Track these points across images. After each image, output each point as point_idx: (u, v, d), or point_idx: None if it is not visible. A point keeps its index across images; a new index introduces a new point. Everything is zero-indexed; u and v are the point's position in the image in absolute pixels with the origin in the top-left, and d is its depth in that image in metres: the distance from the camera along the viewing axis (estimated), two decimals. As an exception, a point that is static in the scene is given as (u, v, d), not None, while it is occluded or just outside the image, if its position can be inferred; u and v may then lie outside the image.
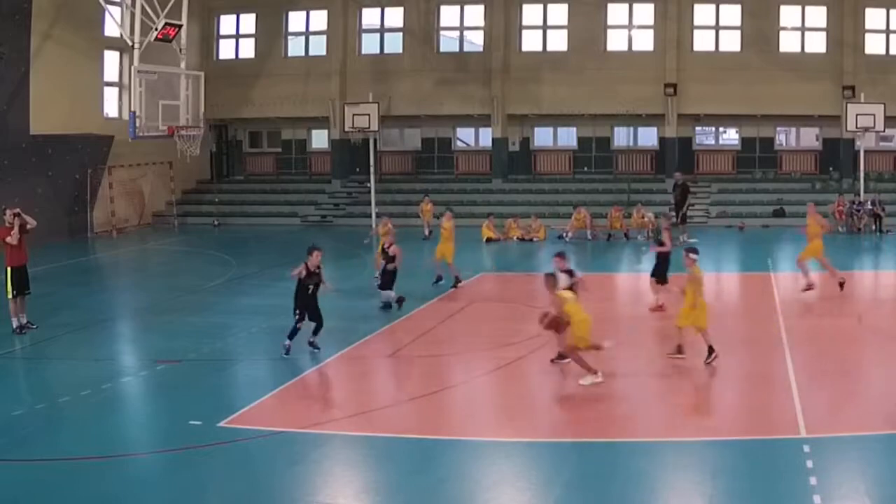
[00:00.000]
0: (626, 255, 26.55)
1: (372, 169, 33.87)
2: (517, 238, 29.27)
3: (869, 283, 22.34)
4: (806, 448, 9.46)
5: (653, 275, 17.49)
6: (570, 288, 13.18)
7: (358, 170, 36.56)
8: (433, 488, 8.96)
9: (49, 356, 14.84)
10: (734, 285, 22.22)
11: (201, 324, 16.87)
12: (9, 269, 15.84)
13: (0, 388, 12.98)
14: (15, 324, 15.88)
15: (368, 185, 34.03)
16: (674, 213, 28.65)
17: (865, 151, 31.11)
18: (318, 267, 14.17)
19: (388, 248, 18.05)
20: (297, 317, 14.04)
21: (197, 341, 15.19)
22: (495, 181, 35.93)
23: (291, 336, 14.08)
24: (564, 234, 28.98)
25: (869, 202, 29.84)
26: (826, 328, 16.03)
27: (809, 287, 18.43)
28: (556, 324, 12.52)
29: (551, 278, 13.00)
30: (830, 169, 34.24)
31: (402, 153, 38.31)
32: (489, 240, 28.87)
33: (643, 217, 29.64)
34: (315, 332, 14.24)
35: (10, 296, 15.85)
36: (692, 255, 13.67)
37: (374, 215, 32.96)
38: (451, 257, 20.14)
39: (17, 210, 15.98)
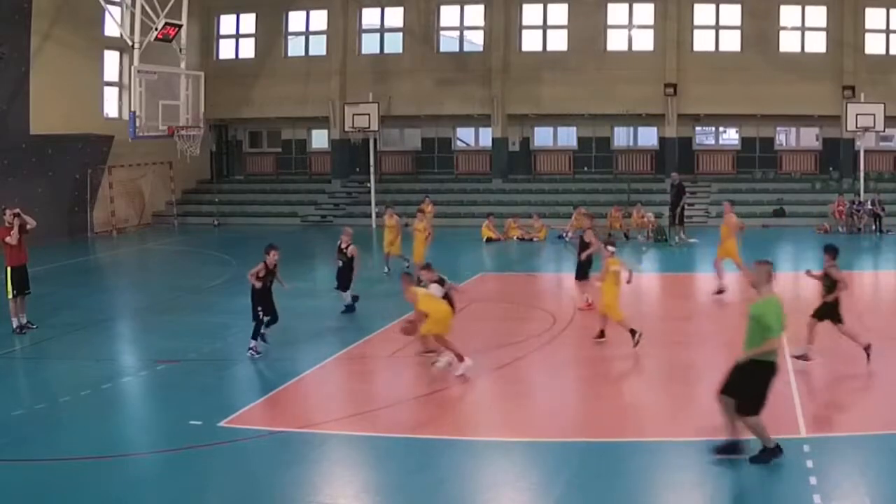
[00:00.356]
0: (625, 255, 26.51)
1: (372, 169, 33.90)
2: (517, 238, 29.27)
3: (869, 283, 22.33)
4: (806, 448, 9.46)
5: (578, 276, 17.73)
6: (446, 296, 13.53)
7: (358, 170, 36.59)
8: (433, 488, 8.95)
9: (49, 356, 14.84)
10: (734, 285, 22.18)
11: (201, 324, 16.86)
12: (9, 269, 15.84)
13: (0, 388, 12.99)
14: (15, 324, 15.88)
15: (368, 185, 34.06)
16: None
17: (865, 151, 31.14)
18: (276, 265, 14.49)
19: (346, 248, 17.25)
20: (260, 316, 14.25)
21: (197, 341, 15.19)
22: (495, 181, 35.94)
23: (255, 336, 14.28)
24: (564, 234, 28.98)
25: (869, 202, 29.85)
26: (826, 328, 15.99)
27: (721, 291, 18.25)
28: (412, 328, 13.06)
29: (407, 277, 13.53)
30: (830, 169, 34.26)
31: (402, 153, 38.33)
32: (489, 240, 28.87)
33: (643, 217, 29.65)
34: (268, 325, 14.48)
35: (10, 296, 15.86)
36: (610, 248, 14.47)
37: (374, 215, 33.00)
38: (419, 257, 20.16)
39: (17, 210, 15.97)
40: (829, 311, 12.96)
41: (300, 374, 13.32)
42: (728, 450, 9.29)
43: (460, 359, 12.84)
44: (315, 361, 13.92)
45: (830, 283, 12.89)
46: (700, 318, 17.52)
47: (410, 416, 11.54)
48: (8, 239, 15.80)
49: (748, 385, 9.14)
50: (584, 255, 17.43)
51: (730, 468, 9.21)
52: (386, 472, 9.50)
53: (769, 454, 9.19)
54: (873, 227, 29.39)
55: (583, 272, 17.63)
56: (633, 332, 14.12)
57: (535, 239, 29.00)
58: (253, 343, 14.26)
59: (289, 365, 13.81)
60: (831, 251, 13.00)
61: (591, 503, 8.75)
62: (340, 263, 17.37)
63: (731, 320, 16.90)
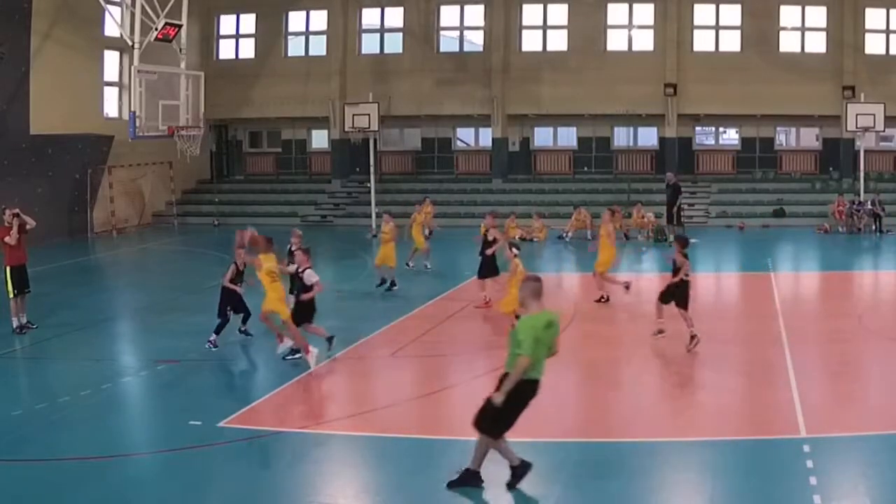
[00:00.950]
0: (625, 254, 26.54)
1: (372, 169, 33.87)
2: (518, 238, 29.19)
3: (869, 282, 22.34)
4: (806, 448, 9.45)
5: (480, 275, 17.90)
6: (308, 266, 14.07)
7: (358, 170, 36.59)
8: (433, 488, 8.94)
9: (49, 356, 14.84)
10: (734, 285, 22.23)
11: (201, 324, 16.80)
12: (8, 268, 15.86)
13: (0, 388, 12.98)
14: (15, 323, 15.89)
15: (368, 185, 34.04)
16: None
17: (865, 151, 31.12)
18: (245, 264, 14.85)
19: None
20: (228, 315, 14.75)
21: (197, 341, 15.17)
22: (495, 181, 35.94)
23: (218, 331, 14.69)
24: (564, 234, 28.97)
25: (869, 202, 29.84)
26: (826, 328, 16.04)
27: (603, 299, 17.97)
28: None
29: (268, 242, 14.06)
30: (830, 169, 34.27)
31: (402, 153, 38.34)
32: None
33: (643, 217, 29.64)
34: (244, 321, 15.13)
35: (10, 295, 15.88)
36: (514, 250, 15.31)
37: (374, 215, 32.99)
38: (392, 261, 19.86)
39: (17, 210, 16.01)
40: (673, 294, 14.59)
41: (300, 375, 13.31)
42: (515, 475, 8.77)
43: (306, 350, 13.24)
44: (315, 362, 13.90)
45: (675, 269, 14.63)
46: (698, 318, 17.49)
47: (410, 416, 11.54)
48: (7, 239, 15.81)
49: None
50: (488, 252, 17.89)
51: (730, 468, 9.21)
52: (386, 472, 9.50)
53: (468, 477, 8.70)
54: (873, 228, 29.38)
55: (487, 270, 17.82)
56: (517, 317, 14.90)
57: (535, 239, 28.97)
58: (213, 337, 14.60)
59: (289, 365, 13.80)
60: (681, 241, 15.08)
61: (590, 503, 8.74)
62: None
63: (730, 321, 16.95)
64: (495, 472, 9.53)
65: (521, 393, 8.53)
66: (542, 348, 8.58)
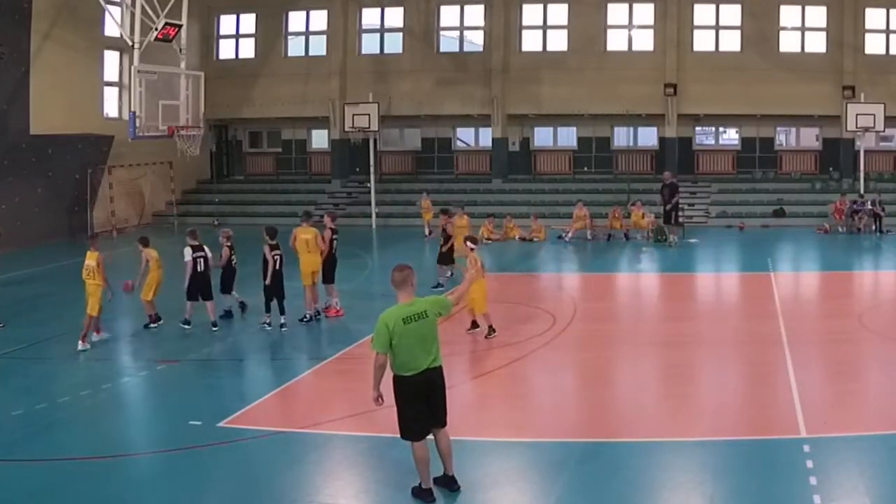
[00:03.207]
0: (625, 255, 26.57)
1: (372, 169, 33.89)
2: (518, 238, 29.23)
3: (869, 282, 22.34)
4: (806, 448, 9.46)
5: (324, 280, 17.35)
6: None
7: (358, 170, 36.59)
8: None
9: (49, 356, 14.84)
10: (734, 285, 22.22)
11: (201, 324, 16.85)
12: None
13: (0, 388, 12.98)
14: None
15: (368, 185, 34.06)
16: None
17: (865, 151, 31.13)
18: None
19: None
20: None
21: (197, 341, 15.20)
22: (495, 181, 35.94)
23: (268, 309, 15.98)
24: (565, 235, 28.96)
25: (869, 202, 29.84)
26: (826, 328, 16.04)
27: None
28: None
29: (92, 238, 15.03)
30: (830, 169, 34.26)
31: (402, 153, 38.33)
32: (489, 240, 28.82)
33: (643, 217, 29.62)
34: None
35: None
36: (470, 244, 15.19)
37: (374, 215, 33.02)
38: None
39: None
40: (447, 258, 18.98)
41: (300, 374, 13.33)
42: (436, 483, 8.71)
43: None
44: (315, 361, 13.93)
45: (447, 237, 18.80)
46: (699, 318, 17.52)
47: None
48: None
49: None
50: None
51: (730, 468, 9.21)
52: (386, 472, 9.48)
53: (419, 493, 8.57)
54: (873, 228, 29.38)
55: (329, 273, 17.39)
56: (490, 327, 15.05)
57: (535, 239, 28.97)
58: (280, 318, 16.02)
59: (289, 365, 13.81)
60: (447, 213, 20.00)
61: (590, 503, 8.75)
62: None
63: (731, 320, 16.95)
64: (497, 471, 9.54)
65: (403, 390, 8.42)
66: (408, 341, 8.39)
